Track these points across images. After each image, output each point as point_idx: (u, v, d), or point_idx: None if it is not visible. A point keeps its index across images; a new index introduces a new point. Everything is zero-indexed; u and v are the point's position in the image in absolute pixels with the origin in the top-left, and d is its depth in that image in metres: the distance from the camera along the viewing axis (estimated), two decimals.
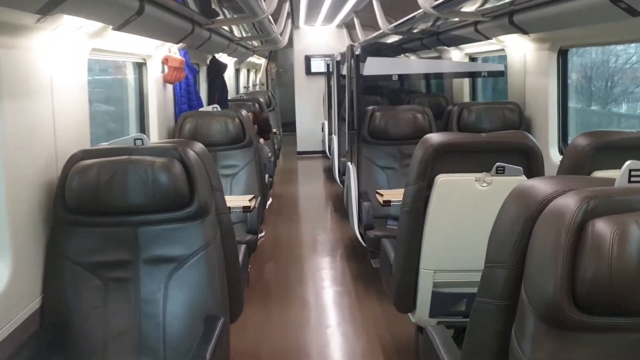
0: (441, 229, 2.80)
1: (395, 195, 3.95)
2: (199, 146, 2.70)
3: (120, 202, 2.39)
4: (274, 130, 8.96)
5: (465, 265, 2.83)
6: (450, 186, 2.75)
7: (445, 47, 7.18)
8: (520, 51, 5.09)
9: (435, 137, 2.78)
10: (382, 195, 3.99)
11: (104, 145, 2.70)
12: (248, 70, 13.16)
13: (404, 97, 7.62)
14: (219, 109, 5.11)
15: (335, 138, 7.44)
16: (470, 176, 2.74)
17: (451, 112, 5.08)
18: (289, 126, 11.88)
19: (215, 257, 2.49)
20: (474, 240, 2.79)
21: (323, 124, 10.29)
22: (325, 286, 4.77)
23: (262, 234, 6.17)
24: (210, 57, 6.97)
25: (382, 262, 3.53)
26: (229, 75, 9.18)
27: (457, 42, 6.58)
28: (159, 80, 4.69)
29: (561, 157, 4.60)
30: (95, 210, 2.42)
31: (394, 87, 9.97)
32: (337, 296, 4.52)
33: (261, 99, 7.62)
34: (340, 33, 11.45)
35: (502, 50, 5.56)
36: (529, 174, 2.75)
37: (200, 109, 5.22)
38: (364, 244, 4.60)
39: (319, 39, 11.54)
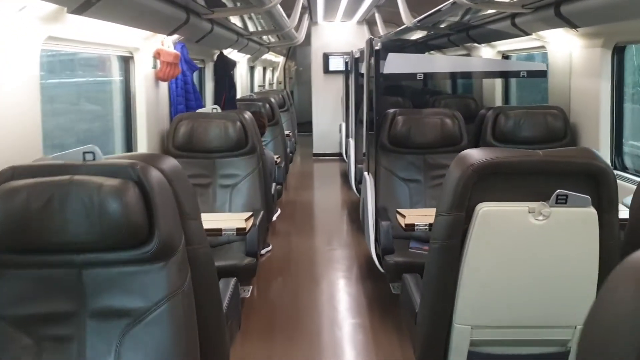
0: (482, 274, 2.16)
1: (419, 216, 3.32)
2: (169, 163, 2.07)
3: (58, 237, 1.78)
4: (288, 132, 8.37)
5: (512, 321, 2.19)
6: (495, 218, 2.11)
7: (476, 44, 6.51)
8: (565, 48, 4.43)
9: (476, 155, 2.13)
10: (404, 216, 3.35)
11: (48, 159, 2.10)
12: (264, 68, 12.59)
13: (428, 98, 6.97)
14: (219, 110, 4.52)
15: (352, 142, 6.81)
16: (522, 206, 2.10)
17: (485, 117, 4.43)
18: (308, 126, 11.27)
19: (183, 309, 1.88)
20: (524, 289, 2.16)
21: (340, 126, 9.66)
22: (338, 317, 4.14)
23: (269, 247, 5.57)
24: (217, 53, 6.38)
25: (403, 304, 2.88)
26: (240, 74, 8.61)
27: (490, 38, 5.92)
28: (149, 77, 4.10)
29: (615, 172, 3.94)
30: (25, 246, 1.81)
31: (416, 88, 9.34)
32: (351, 330, 3.89)
33: (272, 99, 7.00)
34: (360, 29, 10.81)
35: (543, 47, 4.90)
36: (598, 205, 2.11)
37: (198, 110, 4.62)
38: (381, 270, 3.97)
39: (338, 35, 10.90)
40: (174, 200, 1.94)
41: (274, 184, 5.25)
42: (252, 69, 10.66)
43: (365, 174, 4.60)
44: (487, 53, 6.39)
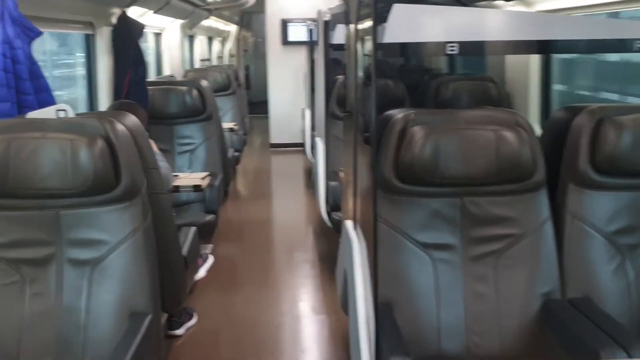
0: None
1: None
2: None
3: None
4: (232, 125, 6.27)
5: None
6: None
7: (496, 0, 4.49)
8: None
9: None
10: None
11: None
12: (210, 39, 10.41)
13: (427, 80, 4.94)
14: (69, 112, 2.40)
15: (320, 144, 4.71)
16: None
17: (570, 125, 2.38)
18: (267, 107, 9.18)
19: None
20: None
21: (304, 112, 7.57)
22: None
23: (191, 322, 3.53)
24: (117, 14, 4.25)
25: None
26: (168, 46, 6.47)
27: None
28: None
29: None
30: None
31: (400, 63, 7.39)
32: None
33: (205, 82, 4.80)
34: None
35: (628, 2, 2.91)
36: None
37: (29, 115, 2.45)
38: None
39: None
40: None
41: (193, 229, 3.17)
42: (191, 39, 8.48)
43: (348, 224, 2.54)
44: None
